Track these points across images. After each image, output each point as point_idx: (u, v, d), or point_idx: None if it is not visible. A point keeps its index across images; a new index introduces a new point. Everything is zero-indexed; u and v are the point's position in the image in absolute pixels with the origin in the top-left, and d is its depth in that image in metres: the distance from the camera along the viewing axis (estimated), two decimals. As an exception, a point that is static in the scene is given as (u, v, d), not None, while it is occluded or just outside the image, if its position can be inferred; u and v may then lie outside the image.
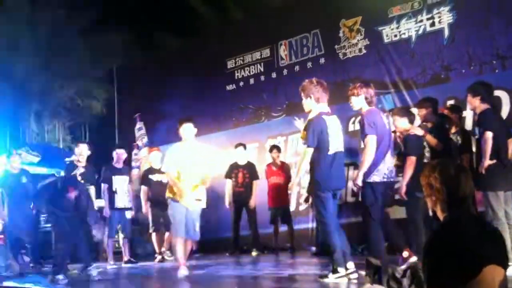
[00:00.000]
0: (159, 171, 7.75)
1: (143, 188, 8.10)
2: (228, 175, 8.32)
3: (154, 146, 9.53)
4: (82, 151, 7.33)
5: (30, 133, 12.72)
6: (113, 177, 7.68)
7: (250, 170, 8.28)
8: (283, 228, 8.19)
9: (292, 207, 8.47)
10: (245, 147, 8.44)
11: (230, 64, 10.32)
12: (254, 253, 7.88)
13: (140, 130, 10.83)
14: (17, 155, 8.01)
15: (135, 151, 10.75)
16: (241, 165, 8.33)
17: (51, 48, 12.37)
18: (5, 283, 6.00)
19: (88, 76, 12.36)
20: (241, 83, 10.10)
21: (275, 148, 8.39)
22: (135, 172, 10.43)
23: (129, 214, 7.77)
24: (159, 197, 7.46)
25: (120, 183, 7.71)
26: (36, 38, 12.28)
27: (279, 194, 8.06)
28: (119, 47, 12.00)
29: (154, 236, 8.03)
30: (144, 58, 12.03)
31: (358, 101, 5.00)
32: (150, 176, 8.09)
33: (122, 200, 7.70)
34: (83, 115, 13.06)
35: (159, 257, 7.94)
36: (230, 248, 8.25)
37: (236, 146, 8.45)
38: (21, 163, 8.07)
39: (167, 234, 7.86)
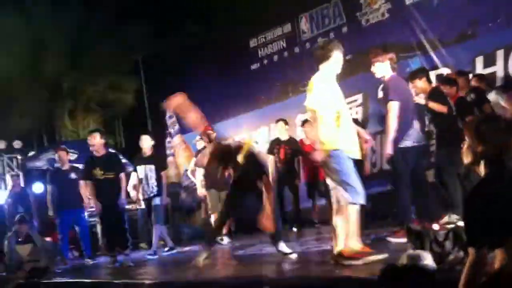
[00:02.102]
0: None
1: (198, 170, 7.93)
2: (270, 152, 7.99)
3: (183, 133, 9.59)
4: (95, 140, 6.94)
5: (66, 130, 13.05)
6: (138, 166, 7.45)
7: (292, 146, 8.09)
8: (320, 203, 8.20)
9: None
10: (286, 123, 8.25)
11: (253, 43, 10.32)
12: (295, 229, 7.82)
13: (171, 118, 10.97)
14: (65, 151, 8.01)
15: (168, 139, 10.93)
16: (282, 141, 8.15)
17: (79, 45, 12.61)
18: (57, 279, 6.28)
19: (117, 70, 12.57)
20: (265, 61, 10.09)
21: (306, 122, 8.36)
22: (170, 159, 10.63)
23: (158, 201, 7.37)
24: (214, 177, 7.42)
25: (146, 171, 7.38)
26: (64, 37, 12.54)
27: (314, 169, 8.05)
28: (143, 38, 12.15)
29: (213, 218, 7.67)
30: (168, 46, 12.10)
31: (383, 67, 4.95)
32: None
33: (149, 188, 7.39)
34: (115, 108, 13.30)
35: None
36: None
37: (277, 121, 8.28)
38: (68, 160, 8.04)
39: None
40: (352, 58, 7.48)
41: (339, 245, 3.88)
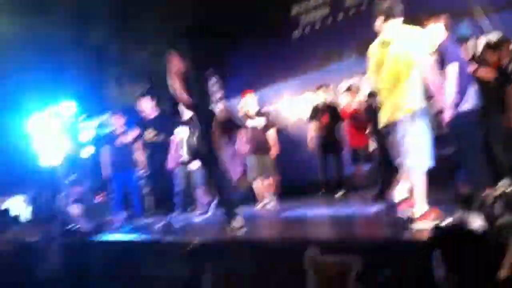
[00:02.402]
0: (255, 115, 7.84)
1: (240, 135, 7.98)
2: (311, 118, 8.22)
3: (225, 100, 9.60)
4: (144, 104, 7.18)
5: (114, 97, 13.34)
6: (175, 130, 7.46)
7: (333, 112, 8.12)
8: (364, 168, 8.22)
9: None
10: (327, 88, 8.25)
11: (295, 10, 10.25)
12: (339, 194, 7.86)
13: (214, 85, 11.07)
14: (120, 116, 8.32)
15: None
16: (324, 107, 8.18)
17: (125, 11, 12.77)
18: (108, 237, 6.58)
19: (162, 38, 12.69)
20: (308, 28, 10.02)
21: (349, 89, 8.33)
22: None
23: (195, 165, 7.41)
24: (258, 142, 7.58)
25: (182, 134, 7.44)
26: (109, 4, 12.71)
27: (357, 135, 8.05)
28: (188, 4, 12.18)
29: (256, 183, 7.97)
30: (211, 14, 12.11)
31: (437, 29, 4.88)
32: (247, 123, 7.97)
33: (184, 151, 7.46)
34: (160, 76, 13.45)
35: (262, 203, 7.94)
36: (318, 191, 8.14)
37: (318, 87, 8.30)
38: (123, 124, 8.32)
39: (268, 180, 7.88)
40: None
41: (410, 208, 3.97)
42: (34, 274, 6.73)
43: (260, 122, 7.92)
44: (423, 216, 3.87)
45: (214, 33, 11.38)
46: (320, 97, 8.27)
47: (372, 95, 6.44)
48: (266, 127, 7.95)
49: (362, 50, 8.55)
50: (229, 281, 4.31)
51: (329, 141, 8.00)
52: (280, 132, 9.16)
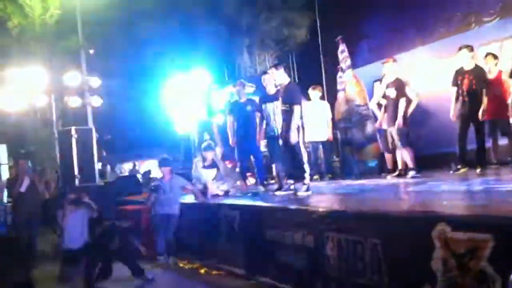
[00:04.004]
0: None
1: (402, 100, 7.67)
2: (454, 83, 7.38)
3: (355, 68, 9.39)
4: (268, 79, 7.29)
5: (244, 66, 13.79)
6: (263, 104, 7.54)
7: (477, 76, 7.20)
8: (502, 142, 7.65)
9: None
10: (471, 49, 7.29)
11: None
12: (478, 170, 6.98)
13: (343, 53, 10.90)
14: (242, 85, 8.49)
15: (339, 73, 10.92)
16: (466, 71, 7.22)
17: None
18: (237, 202, 6.89)
19: (291, 6, 12.77)
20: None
21: (490, 55, 7.69)
22: (340, 95, 10.68)
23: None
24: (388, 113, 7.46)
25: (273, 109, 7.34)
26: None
27: (498, 105, 7.46)
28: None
29: (407, 152, 7.69)
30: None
31: None
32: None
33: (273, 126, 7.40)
34: (289, 44, 13.60)
35: (393, 174, 7.92)
36: (456, 164, 7.36)
37: (460, 48, 7.35)
38: (246, 94, 8.54)
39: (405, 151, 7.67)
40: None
41: None
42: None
43: (391, 92, 7.66)
44: None
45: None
46: (461, 59, 7.35)
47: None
48: (397, 98, 7.65)
49: (506, 13, 7.97)
50: (355, 249, 4.34)
51: (471, 109, 7.14)
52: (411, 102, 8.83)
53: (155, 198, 7.47)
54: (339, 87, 10.78)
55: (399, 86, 7.77)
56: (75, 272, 6.10)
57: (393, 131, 7.74)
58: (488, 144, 7.59)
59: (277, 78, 6.95)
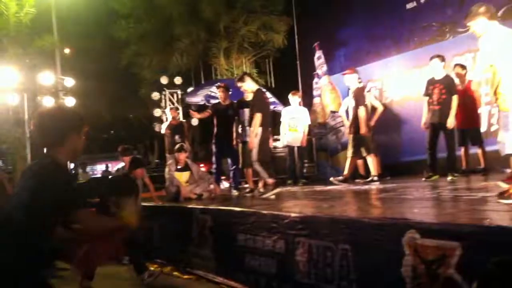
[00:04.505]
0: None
1: (361, 109, 7.89)
2: (425, 92, 7.56)
3: (331, 74, 9.50)
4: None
5: (221, 69, 13.74)
6: (240, 110, 7.87)
7: (447, 85, 7.35)
8: (473, 150, 7.78)
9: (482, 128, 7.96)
10: (442, 59, 7.46)
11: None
12: (449, 178, 7.13)
13: (319, 59, 10.99)
14: (225, 88, 8.49)
15: (315, 80, 10.99)
16: (437, 80, 7.41)
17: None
18: (209, 206, 6.84)
19: (270, 11, 12.80)
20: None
21: (458, 65, 7.81)
22: (316, 101, 10.74)
23: None
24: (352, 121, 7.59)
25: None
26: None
27: (468, 114, 7.59)
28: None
29: (372, 159, 7.95)
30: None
31: None
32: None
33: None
34: (266, 48, 13.63)
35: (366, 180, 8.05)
36: (427, 172, 7.53)
37: (431, 58, 7.52)
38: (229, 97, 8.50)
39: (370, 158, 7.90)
40: None
41: None
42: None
43: (351, 102, 8.04)
44: None
45: (322, 6, 11.23)
46: (432, 69, 7.55)
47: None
48: (356, 106, 7.88)
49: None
50: (325, 255, 4.32)
51: (442, 118, 7.29)
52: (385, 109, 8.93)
53: None
54: (315, 93, 10.85)
55: (358, 95, 8.01)
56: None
57: (350, 138, 8.05)
58: (459, 152, 7.73)
59: (244, 89, 7.15)
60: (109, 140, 21.33)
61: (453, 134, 7.40)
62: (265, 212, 5.49)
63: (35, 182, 2.53)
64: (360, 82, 8.34)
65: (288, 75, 9.72)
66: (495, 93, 4.73)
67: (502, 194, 4.14)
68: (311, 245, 4.54)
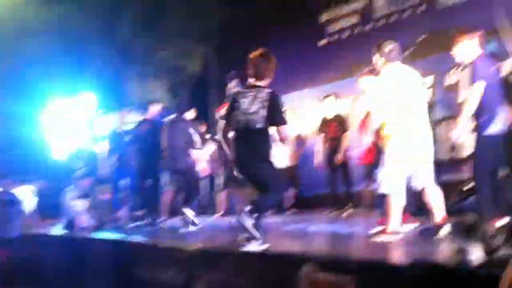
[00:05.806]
0: None
1: None
2: (320, 131, 7.84)
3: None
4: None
5: (134, 93, 13.37)
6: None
7: (340, 123, 7.66)
8: (372, 186, 7.97)
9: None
10: (335, 97, 7.76)
11: (324, 17, 10.10)
12: (346, 212, 7.38)
13: (236, 87, 10.96)
14: (131, 112, 8.35)
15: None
16: (330, 119, 7.74)
17: (151, 10, 12.82)
18: (108, 235, 6.51)
19: (187, 36, 12.70)
20: (334, 37, 9.87)
21: (330, 96, 7.93)
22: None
23: None
24: None
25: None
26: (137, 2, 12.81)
27: (365, 151, 7.81)
28: (214, 6, 12.19)
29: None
30: (237, 16, 12.04)
31: (469, 46, 4.56)
32: None
33: None
34: (182, 75, 13.49)
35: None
36: (330, 206, 7.73)
37: (325, 97, 7.83)
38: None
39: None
40: (425, 40, 7.16)
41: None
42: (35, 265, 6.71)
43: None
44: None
45: (240, 34, 11.31)
46: (327, 108, 7.84)
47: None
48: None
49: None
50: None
51: (336, 155, 7.53)
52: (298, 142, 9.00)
53: None
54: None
55: None
56: None
57: None
58: (360, 187, 7.87)
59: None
60: (7, 163, 20.00)
61: (347, 170, 7.59)
62: (162, 245, 5.30)
63: None
64: None
65: (199, 103, 9.64)
66: (379, 136, 4.77)
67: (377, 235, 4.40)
68: (210, 278, 4.42)
